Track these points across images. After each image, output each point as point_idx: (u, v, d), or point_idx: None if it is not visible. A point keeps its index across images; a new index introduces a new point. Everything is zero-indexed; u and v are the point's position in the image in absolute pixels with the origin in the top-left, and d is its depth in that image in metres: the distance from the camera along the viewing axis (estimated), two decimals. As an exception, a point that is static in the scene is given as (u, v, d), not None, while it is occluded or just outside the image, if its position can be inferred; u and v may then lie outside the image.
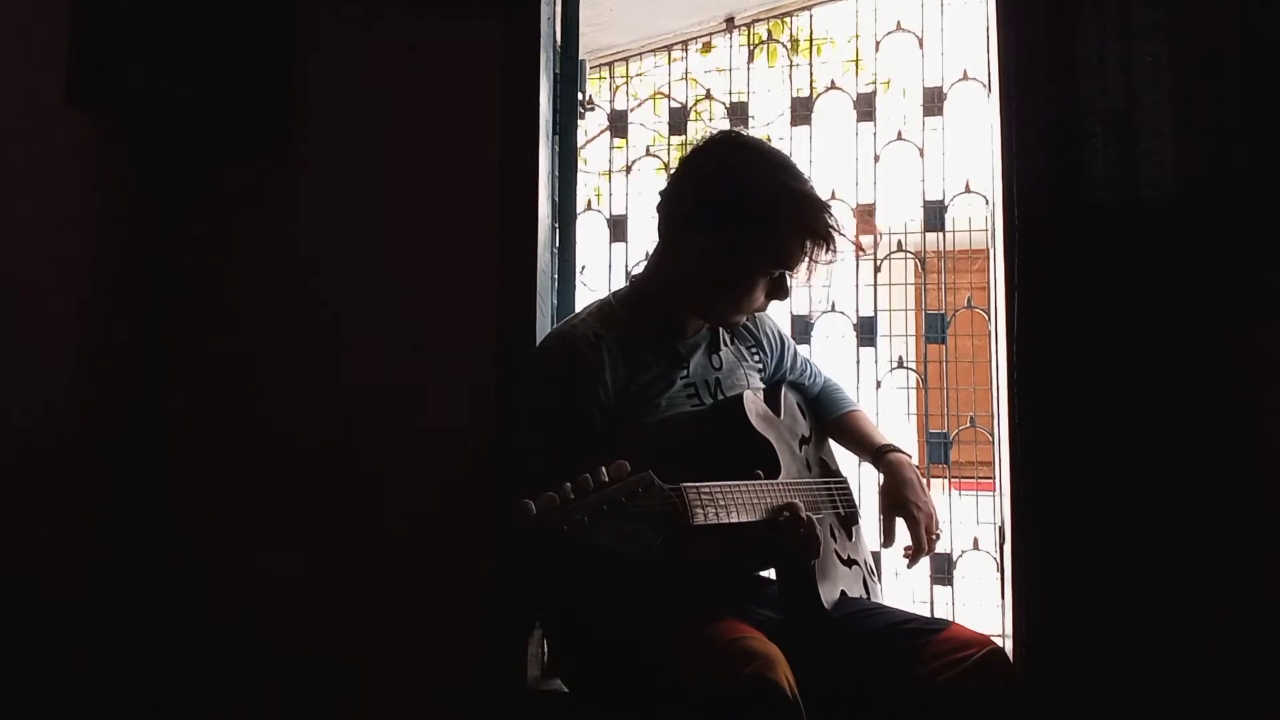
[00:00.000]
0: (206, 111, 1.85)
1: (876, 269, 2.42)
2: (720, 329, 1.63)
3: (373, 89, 1.90)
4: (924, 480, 1.70)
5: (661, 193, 1.57)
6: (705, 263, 1.48)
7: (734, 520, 1.29)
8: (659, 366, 1.52)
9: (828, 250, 1.47)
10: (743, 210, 1.44)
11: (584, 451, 1.37)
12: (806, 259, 1.47)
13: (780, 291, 1.52)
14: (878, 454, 1.69)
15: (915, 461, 1.74)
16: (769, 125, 2.88)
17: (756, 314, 1.73)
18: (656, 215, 1.56)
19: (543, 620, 1.70)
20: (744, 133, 1.94)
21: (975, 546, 2.24)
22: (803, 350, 1.89)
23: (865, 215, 2.36)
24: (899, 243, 2.50)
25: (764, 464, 1.44)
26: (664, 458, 1.22)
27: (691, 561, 1.37)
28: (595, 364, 1.44)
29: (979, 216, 2.20)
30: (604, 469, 1.14)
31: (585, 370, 1.44)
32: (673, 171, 1.61)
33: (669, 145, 2.70)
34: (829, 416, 1.78)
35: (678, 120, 2.66)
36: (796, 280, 1.52)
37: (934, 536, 1.65)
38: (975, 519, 2.28)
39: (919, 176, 2.33)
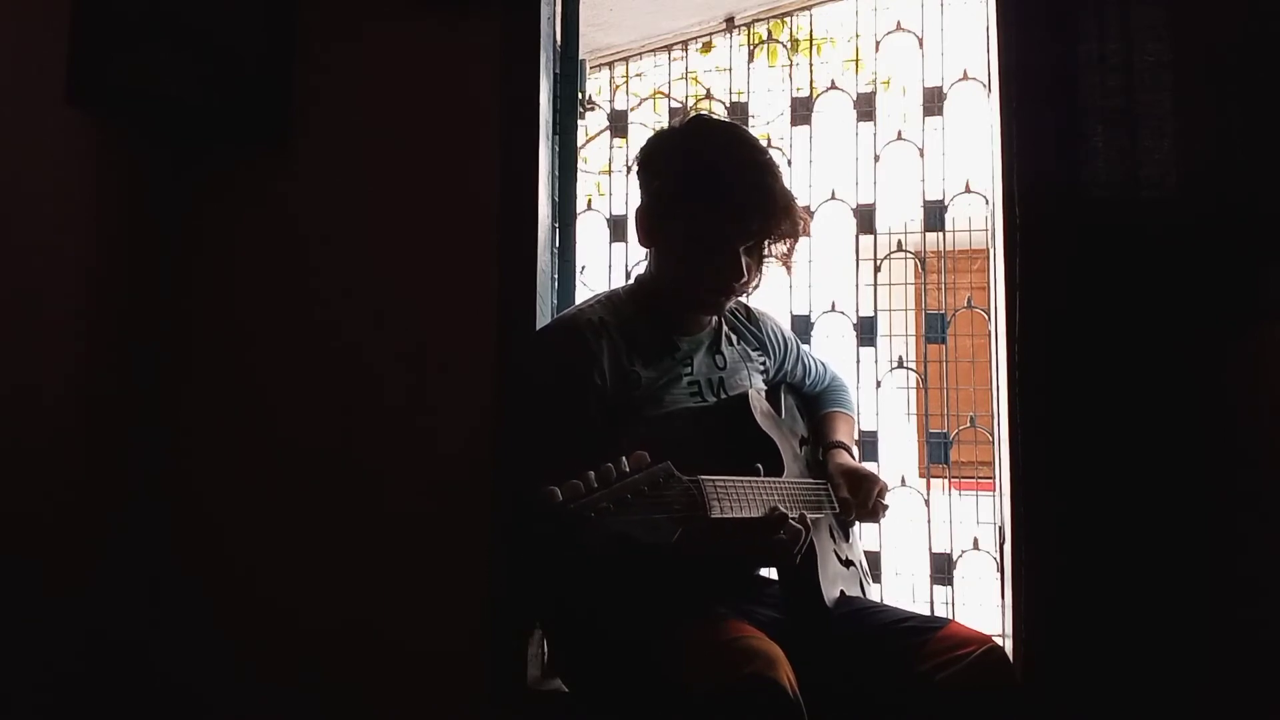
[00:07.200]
0: (206, 111, 1.85)
1: (876, 269, 2.42)
2: (724, 328, 1.63)
3: (372, 89, 1.90)
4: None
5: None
6: (682, 243, 1.49)
7: (745, 515, 1.28)
8: (661, 361, 1.52)
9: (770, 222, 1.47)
10: (695, 186, 1.46)
11: (584, 429, 1.38)
12: (761, 232, 1.47)
13: (755, 263, 1.51)
14: (826, 448, 1.71)
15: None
16: (769, 125, 2.88)
17: (761, 318, 1.73)
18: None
19: (543, 620, 1.70)
20: (708, 115, 1.93)
21: (975, 546, 2.24)
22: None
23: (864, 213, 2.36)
24: (899, 243, 2.49)
25: (767, 463, 1.44)
26: (666, 452, 1.22)
27: (698, 557, 1.37)
28: (594, 348, 1.46)
29: (979, 216, 2.20)
30: (624, 459, 1.13)
31: (584, 352, 1.45)
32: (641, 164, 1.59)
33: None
34: (813, 415, 1.79)
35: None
36: (772, 257, 1.53)
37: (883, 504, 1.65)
38: (975, 519, 2.28)
39: (919, 176, 2.33)
